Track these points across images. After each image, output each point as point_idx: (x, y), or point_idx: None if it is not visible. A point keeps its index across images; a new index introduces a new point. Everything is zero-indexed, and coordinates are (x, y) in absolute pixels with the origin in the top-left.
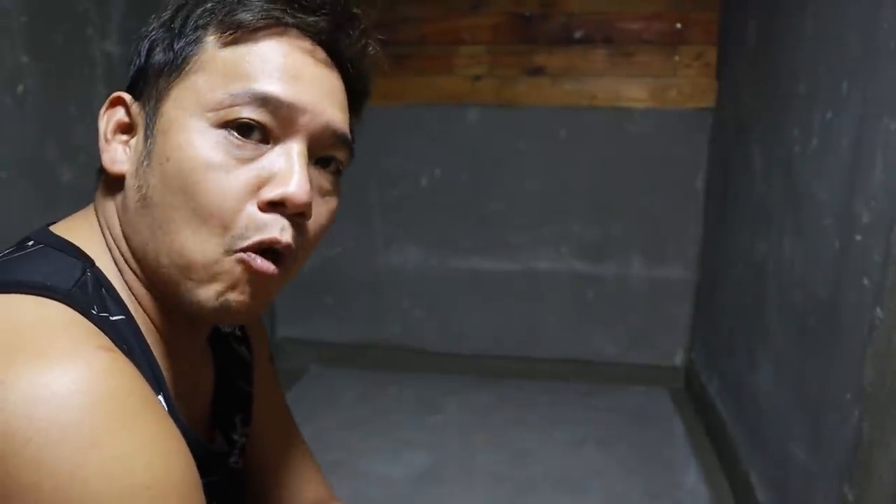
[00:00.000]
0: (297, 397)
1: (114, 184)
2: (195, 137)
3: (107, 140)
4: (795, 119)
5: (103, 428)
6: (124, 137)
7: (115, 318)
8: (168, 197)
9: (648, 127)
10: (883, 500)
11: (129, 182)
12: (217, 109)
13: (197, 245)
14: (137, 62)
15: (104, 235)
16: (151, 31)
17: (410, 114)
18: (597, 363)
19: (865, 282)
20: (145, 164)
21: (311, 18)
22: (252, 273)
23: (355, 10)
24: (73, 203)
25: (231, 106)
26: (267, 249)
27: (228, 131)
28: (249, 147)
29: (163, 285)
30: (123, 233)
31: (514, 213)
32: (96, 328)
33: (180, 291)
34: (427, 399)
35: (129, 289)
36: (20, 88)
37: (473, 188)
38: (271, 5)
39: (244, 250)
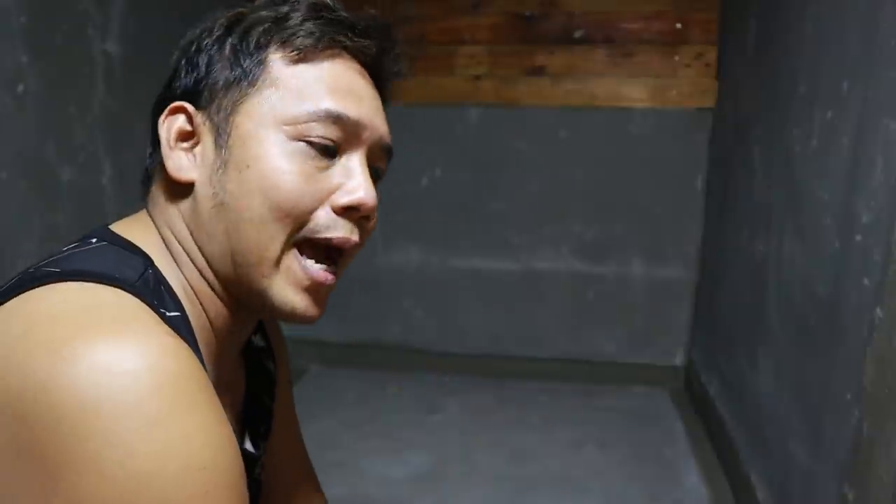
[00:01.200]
0: (297, 397)
1: (176, 190)
2: (274, 148)
3: (171, 147)
4: (795, 119)
5: (169, 407)
6: (185, 145)
7: (171, 314)
8: (245, 200)
9: (648, 127)
10: (883, 500)
11: (202, 189)
12: (293, 124)
13: (269, 240)
14: (195, 74)
15: (164, 237)
16: (206, 46)
17: (410, 114)
18: (597, 363)
19: (865, 282)
20: (220, 171)
21: (364, 42)
22: (314, 282)
23: (395, 36)
24: (73, 203)
25: (307, 122)
26: (331, 252)
27: (305, 145)
28: (321, 158)
29: (239, 285)
30: (193, 236)
31: (514, 213)
32: (159, 317)
33: (255, 287)
34: (427, 399)
35: (187, 289)
36: (20, 88)
37: (473, 188)
38: (329, 28)
39: (310, 244)
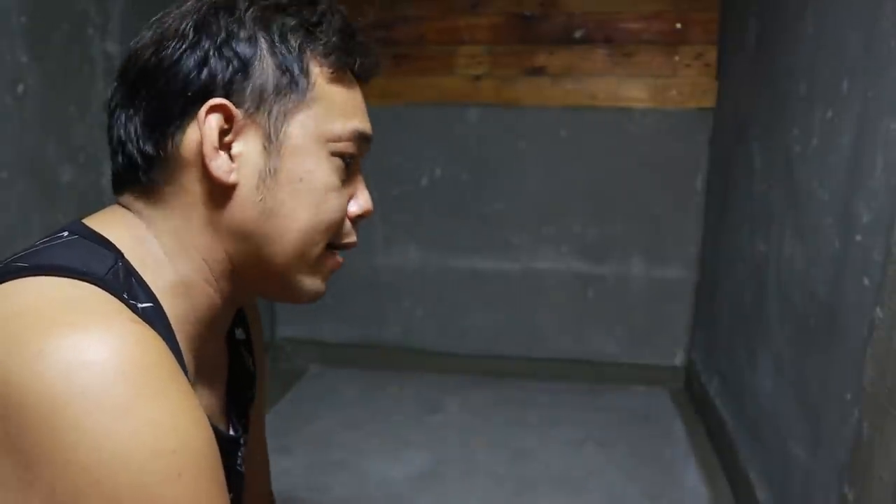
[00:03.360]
0: (297, 397)
1: (202, 187)
2: (322, 164)
3: (216, 148)
4: (795, 119)
5: (135, 394)
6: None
7: (142, 305)
8: (298, 209)
9: (648, 127)
10: (883, 500)
11: (246, 193)
12: (335, 141)
13: (312, 247)
14: (231, 67)
15: (156, 229)
16: (234, 33)
17: (410, 114)
18: (597, 363)
19: (865, 282)
20: (269, 179)
21: (376, 70)
22: (336, 268)
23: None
24: (74, 203)
25: (346, 141)
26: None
27: (340, 160)
28: (345, 172)
29: (258, 278)
30: (214, 233)
31: (514, 213)
32: (127, 308)
33: (289, 282)
34: (427, 399)
35: (178, 281)
36: (20, 88)
37: (473, 188)
38: (356, 51)
39: (339, 247)
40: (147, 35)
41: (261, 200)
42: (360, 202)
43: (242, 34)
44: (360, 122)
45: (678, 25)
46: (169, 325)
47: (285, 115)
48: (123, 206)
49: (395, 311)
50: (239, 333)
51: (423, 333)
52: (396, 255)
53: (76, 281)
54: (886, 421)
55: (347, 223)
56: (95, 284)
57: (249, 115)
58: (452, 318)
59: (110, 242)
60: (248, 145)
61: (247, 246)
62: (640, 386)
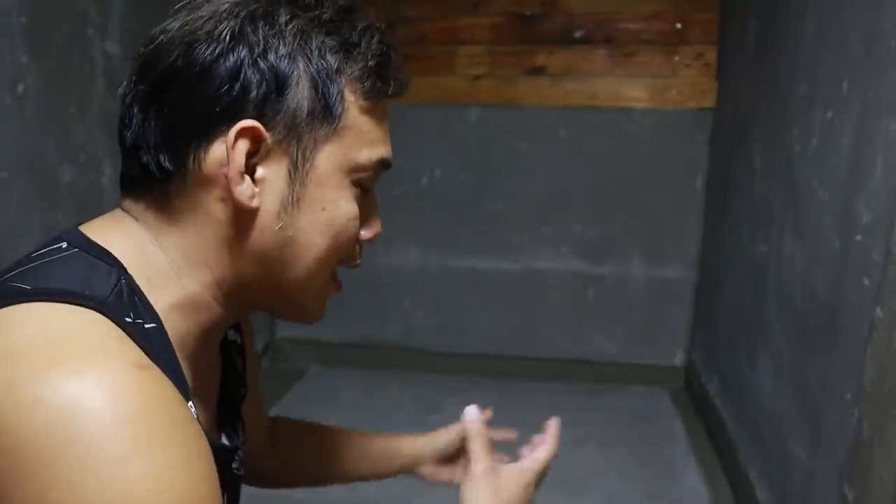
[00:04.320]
0: (297, 397)
1: (221, 209)
2: (345, 194)
3: (241, 174)
4: (795, 119)
5: (131, 447)
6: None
7: (147, 325)
8: (316, 239)
9: (648, 127)
10: (883, 500)
11: (266, 219)
12: (358, 171)
13: (325, 271)
14: (265, 86)
15: (162, 245)
16: (274, 48)
17: (410, 114)
18: (597, 363)
19: (865, 282)
20: (291, 207)
21: (405, 90)
22: (338, 291)
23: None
24: (73, 203)
25: (369, 171)
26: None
27: (359, 188)
28: (362, 197)
29: (265, 299)
30: (229, 254)
31: (514, 213)
32: (131, 341)
33: (298, 305)
34: (427, 399)
35: (185, 298)
36: (20, 88)
37: (473, 188)
38: (392, 76)
39: (338, 269)
40: (174, 28)
41: (280, 228)
42: (374, 228)
43: (282, 49)
44: (385, 151)
45: (678, 25)
46: (170, 344)
47: (315, 144)
48: (126, 211)
49: (395, 311)
50: (231, 335)
51: (423, 333)
52: (396, 255)
53: (78, 308)
54: (886, 421)
55: (356, 247)
56: (98, 310)
57: (278, 140)
58: (452, 318)
59: (111, 255)
60: (272, 171)
61: (260, 269)
62: (640, 386)
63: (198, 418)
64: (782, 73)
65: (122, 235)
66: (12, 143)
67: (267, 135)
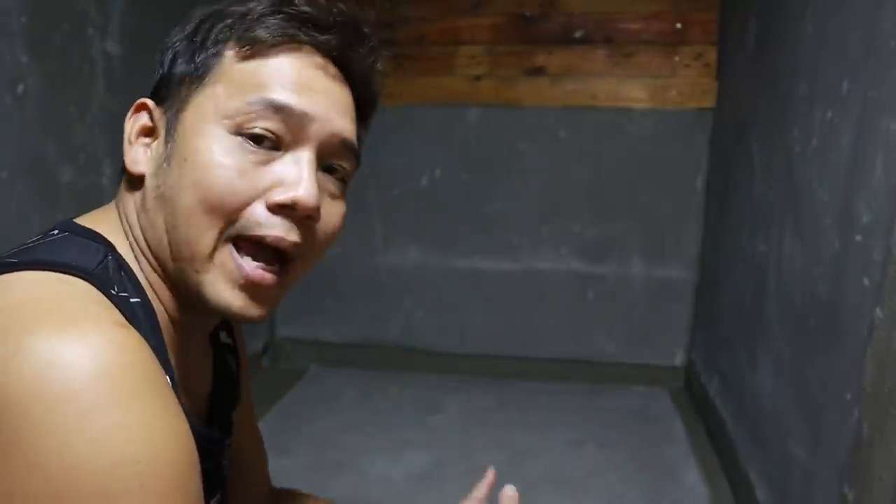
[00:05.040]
0: (297, 397)
1: (134, 183)
2: (212, 142)
3: (130, 143)
4: (795, 119)
5: (106, 398)
6: (146, 140)
7: (133, 299)
8: (181, 193)
9: (648, 127)
10: (883, 500)
11: (149, 182)
12: (233, 117)
13: (200, 234)
14: (160, 71)
15: (123, 229)
16: (175, 43)
17: (410, 114)
18: (597, 363)
19: (865, 282)
20: (165, 164)
21: (323, 37)
22: (247, 280)
23: (365, 29)
24: (73, 203)
25: (247, 114)
26: (271, 251)
27: (244, 138)
28: (262, 153)
29: (176, 277)
30: (141, 228)
31: (514, 213)
32: (113, 306)
33: (189, 282)
34: (427, 399)
35: (143, 278)
36: (20, 88)
37: (473, 188)
38: (287, 24)
39: (242, 240)
40: None
41: (156, 187)
42: (287, 190)
43: (177, 41)
44: (270, 92)
45: (678, 25)
46: (156, 322)
47: (183, 102)
48: (116, 205)
49: (395, 311)
50: (223, 336)
51: (423, 333)
52: (396, 255)
53: (64, 276)
54: (886, 421)
55: (259, 211)
56: (84, 279)
57: (164, 111)
58: (452, 318)
59: (101, 236)
60: (159, 138)
61: (159, 239)
62: (640, 386)
63: (180, 401)
64: (782, 73)
65: (111, 220)
66: (12, 143)
67: (154, 108)
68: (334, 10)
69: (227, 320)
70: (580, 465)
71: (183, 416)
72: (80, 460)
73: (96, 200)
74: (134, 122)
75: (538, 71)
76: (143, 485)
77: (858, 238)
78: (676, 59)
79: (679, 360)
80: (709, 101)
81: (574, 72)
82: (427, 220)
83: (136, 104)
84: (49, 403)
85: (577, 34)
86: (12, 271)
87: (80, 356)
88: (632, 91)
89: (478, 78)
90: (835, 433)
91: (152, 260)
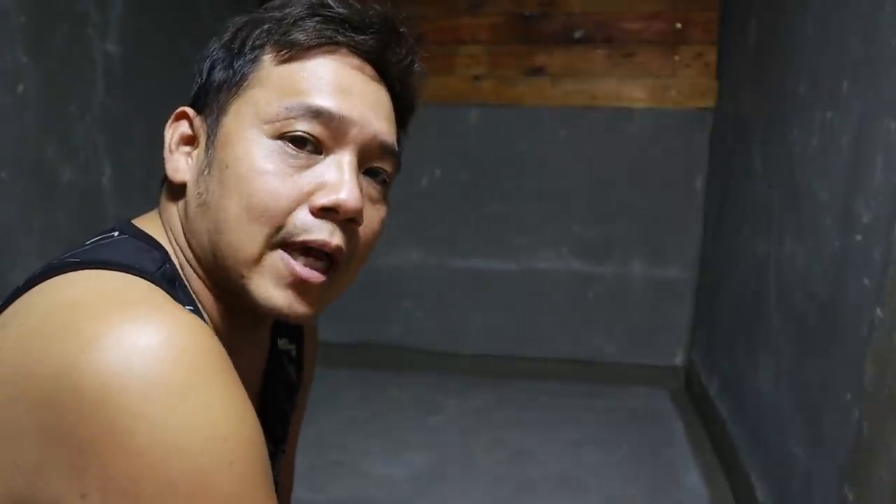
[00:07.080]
0: None
1: (176, 192)
2: (253, 147)
3: (171, 151)
4: (795, 119)
5: (189, 380)
6: (187, 149)
7: (187, 307)
8: (224, 200)
9: (648, 127)
10: (883, 500)
11: (191, 189)
12: (273, 122)
13: (246, 240)
14: (199, 80)
15: (168, 238)
16: (213, 52)
17: None
18: (597, 363)
19: (865, 282)
20: (206, 172)
21: (360, 38)
22: (296, 278)
23: (402, 30)
24: (74, 203)
25: (287, 119)
26: (318, 253)
27: (284, 142)
28: (303, 157)
29: (223, 283)
30: (185, 236)
31: (514, 213)
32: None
33: (236, 287)
34: (427, 399)
35: (191, 288)
36: (20, 88)
37: (473, 188)
38: (324, 26)
39: (288, 247)
40: None
41: (199, 195)
42: (328, 193)
43: (215, 48)
44: (310, 97)
45: (678, 25)
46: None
47: (223, 107)
48: (159, 212)
49: (395, 311)
50: (283, 343)
51: (423, 333)
52: (396, 255)
53: (126, 275)
54: (886, 421)
55: (303, 216)
56: (146, 279)
57: (204, 118)
58: (452, 318)
59: (158, 243)
60: (200, 146)
61: (203, 247)
62: (640, 386)
63: None
64: (782, 73)
65: (158, 229)
66: (12, 143)
67: (195, 116)
68: (370, 11)
69: (293, 327)
70: (580, 465)
71: (248, 398)
72: (172, 439)
73: (96, 200)
74: (174, 131)
75: (538, 71)
76: (233, 462)
77: (858, 238)
78: (676, 58)
79: (679, 360)
80: (709, 101)
81: (574, 72)
82: (427, 220)
83: (175, 113)
84: (136, 389)
85: (578, 34)
86: (75, 270)
87: (157, 340)
88: (632, 91)
89: (478, 78)
90: (835, 433)
91: (197, 268)
